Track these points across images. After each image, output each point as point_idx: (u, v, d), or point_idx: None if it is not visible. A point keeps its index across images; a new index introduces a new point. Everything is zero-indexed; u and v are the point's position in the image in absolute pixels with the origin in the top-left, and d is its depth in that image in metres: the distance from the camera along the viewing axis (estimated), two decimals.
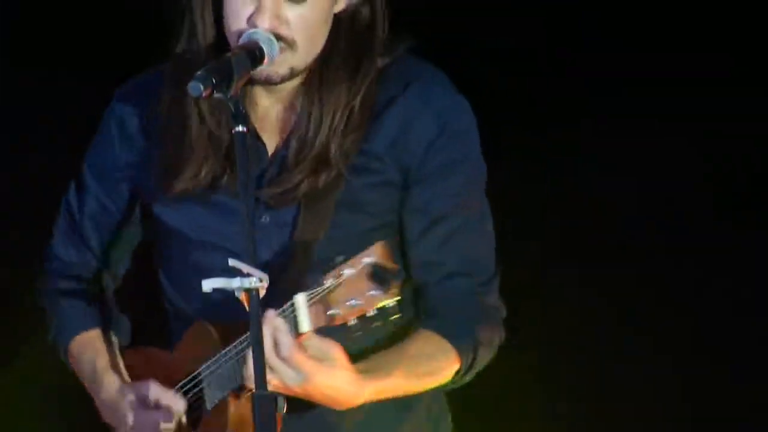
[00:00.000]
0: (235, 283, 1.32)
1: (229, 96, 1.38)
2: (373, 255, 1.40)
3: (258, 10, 1.50)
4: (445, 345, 1.60)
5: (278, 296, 1.49)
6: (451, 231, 1.63)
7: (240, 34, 1.51)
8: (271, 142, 1.66)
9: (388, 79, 1.63)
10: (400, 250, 1.65)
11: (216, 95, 1.37)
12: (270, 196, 1.61)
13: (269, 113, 1.66)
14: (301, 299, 1.43)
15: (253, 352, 1.33)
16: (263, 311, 1.40)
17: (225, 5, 1.56)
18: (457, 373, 1.62)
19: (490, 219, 1.70)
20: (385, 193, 1.63)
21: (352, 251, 1.46)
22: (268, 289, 1.46)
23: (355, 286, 1.39)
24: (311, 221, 1.60)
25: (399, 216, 1.65)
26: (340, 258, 1.42)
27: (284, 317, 1.45)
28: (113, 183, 1.76)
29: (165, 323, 1.80)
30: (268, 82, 1.57)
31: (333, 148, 1.58)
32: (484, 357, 1.65)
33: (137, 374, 1.72)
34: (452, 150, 1.63)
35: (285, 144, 1.64)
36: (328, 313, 1.41)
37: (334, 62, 1.60)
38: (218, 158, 1.61)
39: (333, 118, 1.58)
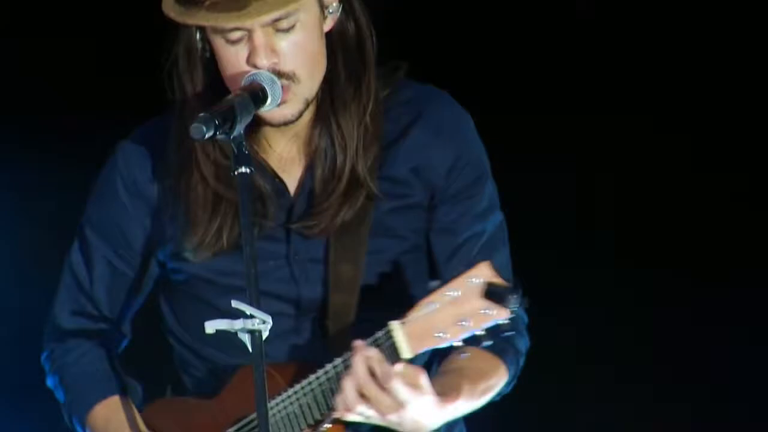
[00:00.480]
0: (237, 324, 1.31)
1: (232, 138, 1.38)
2: (479, 274, 1.42)
3: (253, 50, 1.51)
4: (495, 361, 1.65)
5: (329, 331, 1.57)
6: (477, 249, 1.66)
7: (241, 76, 1.51)
8: (291, 179, 1.67)
9: (399, 105, 1.67)
10: (428, 270, 1.69)
11: (219, 137, 1.37)
12: (305, 228, 1.62)
13: (285, 152, 1.67)
14: (397, 326, 1.45)
15: (255, 394, 1.32)
16: (321, 347, 1.49)
17: (220, 63, 1.57)
18: (506, 384, 1.68)
19: (506, 231, 1.74)
20: (413, 216, 1.67)
21: (387, 277, 1.53)
22: (316, 325, 1.58)
23: (465, 306, 1.42)
24: (345, 253, 1.61)
25: (426, 237, 1.68)
26: (435, 282, 1.45)
27: (377, 345, 1.47)
28: (124, 242, 1.72)
29: (176, 373, 1.77)
30: (287, 124, 1.59)
31: (360, 168, 1.60)
32: (522, 366, 1.71)
33: (166, 427, 1.68)
34: (472, 169, 1.68)
35: (308, 175, 1.65)
36: (435, 335, 1.44)
37: (338, 83, 1.61)
38: (236, 217, 1.58)
39: (353, 138, 1.60)
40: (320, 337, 1.55)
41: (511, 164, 2.25)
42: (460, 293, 1.40)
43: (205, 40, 1.59)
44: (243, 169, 1.38)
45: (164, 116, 1.68)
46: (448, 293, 1.41)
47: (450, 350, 1.55)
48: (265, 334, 1.33)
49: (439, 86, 1.75)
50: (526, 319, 1.69)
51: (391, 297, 1.60)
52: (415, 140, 1.65)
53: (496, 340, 1.56)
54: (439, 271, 1.64)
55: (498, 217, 1.71)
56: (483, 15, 3.15)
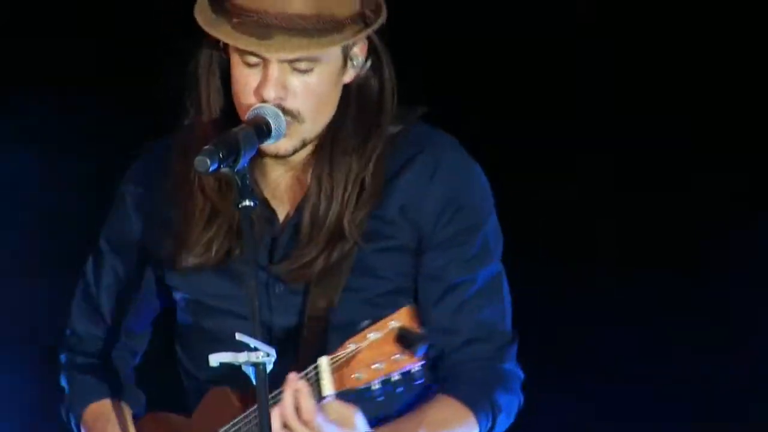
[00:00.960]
0: (241, 357, 1.32)
1: (236, 171, 1.38)
2: (399, 319, 1.40)
3: (264, 80, 1.50)
4: (464, 410, 1.59)
5: (298, 361, 1.52)
6: (466, 298, 1.62)
7: (248, 107, 1.51)
8: (281, 209, 1.65)
9: (401, 144, 1.63)
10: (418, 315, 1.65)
11: (223, 170, 1.37)
12: (285, 272, 1.60)
13: (280, 182, 1.65)
14: (324, 362, 1.43)
15: (260, 423, 1.34)
16: (285, 375, 1.43)
17: (232, 78, 1.56)
18: None
19: (505, 283, 1.69)
20: (397, 258, 1.63)
21: (366, 315, 1.47)
22: (287, 355, 1.51)
23: (381, 350, 1.40)
24: (325, 287, 1.59)
25: (414, 281, 1.65)
26: (366, 322, 1.43)
27: (307, 380, 1.45)
28: (129, 256, 1.75)
29: (181, 390, 1.79)
30: (279, 156, 1.57)
31: (346, 220, 1.57)
32: (503, 423, 1.65)
33: None
34: (466, 217, 1.63)
35: (296, 212, 1.63)
36: (352, 376, 1.42)
37: (343, 132, 1.59)
38: (229, 233, 1.60)
39: (344, 190, 1.57)
40: (289, 366, 1.52)
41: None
42: (380, 336, 1.39)
43: (226, 51, 1.58)
44: (247, 203, 1.38)
45: (175, 135, 1.69)
46: (369, 335, 1.40)
47: (425, 392, 1.59)
48: (269, 367, 1.34)
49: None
50: (521, 375, 1.67)
51: None
52: (409, 180, 1.61)
53: (467, 389, 1.58)
54: (426, 317, 1.59)
55: (494, 268, 1.66)
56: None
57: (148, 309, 1.80)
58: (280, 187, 1.66)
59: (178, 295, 1.73)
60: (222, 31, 1.50)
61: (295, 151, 1.57)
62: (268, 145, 1.51)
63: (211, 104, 1.60)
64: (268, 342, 1.46)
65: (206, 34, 1.57)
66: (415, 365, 1.40)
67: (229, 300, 1.64)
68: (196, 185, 1.60)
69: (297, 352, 1.59)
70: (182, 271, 1.66)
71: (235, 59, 1.54)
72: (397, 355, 1.38)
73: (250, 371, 1.34)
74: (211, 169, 1.35)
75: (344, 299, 1.59)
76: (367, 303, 1.60)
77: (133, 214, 1.74)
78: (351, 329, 1.54)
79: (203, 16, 1.53)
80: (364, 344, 1.41)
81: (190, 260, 1.62)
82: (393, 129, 1.63)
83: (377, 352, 1.40)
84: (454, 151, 1.66)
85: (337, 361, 1.43)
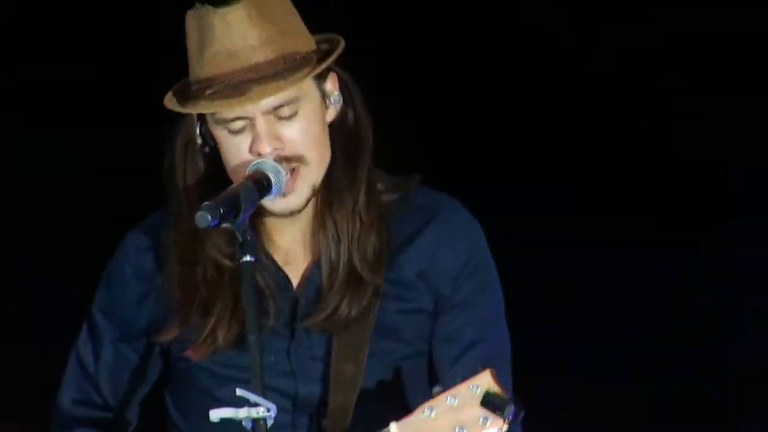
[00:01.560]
0: (242, 413, 1.31)
1: (236, 226, 1.38)
2: (480, 382, 1.39)
3: (256, 137, 1.51)
4: None
5: (326, 428, 1.55)
6: (482, 357, 1.62)
7: (245, 165, 1.51)
8: (295, 273, 1.65)
9: (412, 209, 1.66)
10: (428, 376, 1.67)
11: (223, 225, 1.37)
12: (313, 325, 1.60)
13: (290, 245, 1.66)
14: (395, 428, 1.41)
15: None
16: None
17: (222, 149, 1.57)
18: None
19: (509, 342, 1.71)
20: (418, 320, 1.64)
21: (390, 380, 1.52)
22: (313, 422, 1.56)
23: (463, 414, 1.38)
24: (347, 352, 1.59)
25: (429, 344, 1.66)
26: (438, 388, 1.42)
27: None
28: (130, 328, 1.70)
29: None
30: (292, 214, 1.58)
31: (357, 258, 1.58)
32: None
33: None
34: (479, 278, 1.66)
35: (314, 271, 1.63)
36: None
37: (335, 175, 1.61)
38: (233, 317, 1.58)
39: (347, 228, 1.59)
40: None
41: None
42: (458, 401, 1.39)
43: (206, 134, 1.60)
44: (247, 258, 1.39)
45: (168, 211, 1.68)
46: (447, 400, 1.39)
47: None
48: (269, 422, 1.33)
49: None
50: None
51: (390, 400, 1.59)
52: (424, 245, 1.64)
53: None
54: (441, 379, 1.60)
55: (504, 331, 1.69)
56: None
57: (147, 381, 1.76)
58: (291, 249, 1.66)
59: (182, 364, 1.68)
60: (200, 106, 1.52)
61: (306, 203, 1.58)
62: (279, 205, 1.53)
63: (191, 197, 1.59)
64: (294, 410, 1.51)
65: (172, 133, 1.60)
66: (499, 428, 1.38)
67: (239, 368, 1.59)
68: (198, 270, 1.60)
69: (324, 419, 1.59)
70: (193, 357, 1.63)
71: (221, 134, 1.56)
72: (482, 419, 1.37)
73: (249, 427, 1.33)
74: (211, 225, 1.34)
75: (368, 363, 1.59)
76: (389, 367, 1.62)
77: (136, 289, 1.70)
78: (377, 393, 1.58)
79: (172, 104, 1.56)
80: (442, 408, 1.39)
81: (201, 352, 1.61)
82: (392, 196, 1.66)
83: (458, 416, 1.39)
84: (462, 214, 1.70)
85: (407, 426, 1.41)
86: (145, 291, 1.69)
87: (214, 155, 1.60)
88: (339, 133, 1.63)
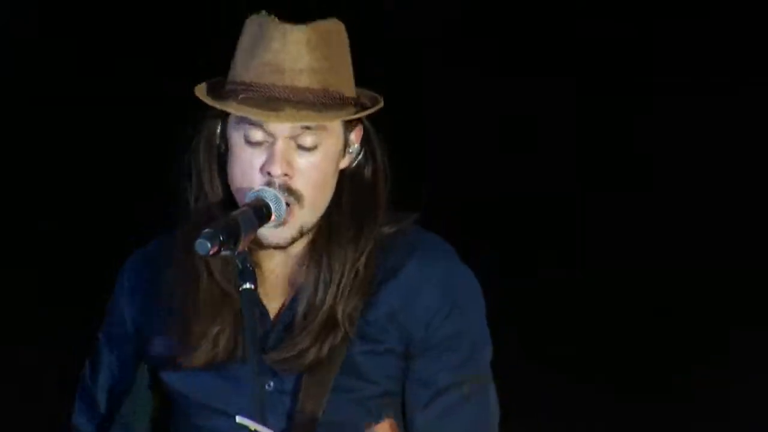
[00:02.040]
0: None
1: (236, 253, 1.38)
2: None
3: (271, 157, 1.50)
4: None
5: None
6: (454, 403, 1.58)
7: (249, 188, 1.50)
8: (273, 305, 1.62)
9: (392, 247, 1.62)
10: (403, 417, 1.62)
11: (223, 253, 1.36)
12: (276, 362, 1.56)
13: (270, 277, 1.63)
14: None
15: None
16: None
17: (233, 159, 1.55)
18: None
19: (493, 389, 1.66)
20: (386, 361, 1.59)
21: (356, 417, 1.47)
22: None
23: None
24: (314, 388, 1.55)
25: (402, 384, 1.61)
26: None
27: None
28: (125, 352, 1.70)
29: None
30: (278, 247, 1.56)
31: (340, 310, 1.55)
32: None
33: None
34: (456, 322, 1.60)
35: (289, 307, 1.61)
36: None
37: (339, 222, 1.58)
38: (236, 327, 1.56)
39: (340, 280, 1.55)
40: None
41: None
42: None
43: (222, 137, 1.58)
44: (247, 285, 1.39)
45: (172, 231, 1.66)
46: None
47: None
48: None
49: None
50: None
51: None
52: (398, 287, 1.59)
53: None
54: (412, 421, 1.59)
55: (482, 372, 1.64)
56: None
57: (144, 404, 1.73)
58: (271, 281, 1.63)
59: (167, 389, 1.68)
60: (229, 106, 1.51)
61: (292, 241, 1.55)
62: (268, 235, 1.51)
63: (213, 191, 1.59)
64: None
65: (198, 128, 1.59)
66: None
67: (221, 399, 1.59)
68: (203, 279, 1.58)
69: None
70: (180, 369, 1.62)
71: (238, 140, 1.54)
72: None
73: None
74: (211, 252, 1.34)
75: (333, 400, 1.56)
76: (356, 404, 1.57)
77: (128, 309, 1.70)
78: (340, 430, 1.55)
79: (203, 95, 1.55)
80: None
81: (198, 358, 1.58)
82: (388, 230, 1.62)
83: None
84: (446, 259, 1.65)
85: None
86: (140, 317, 1.69)
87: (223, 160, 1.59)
88: (352, 184, 1.61)
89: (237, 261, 1.39)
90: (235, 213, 1.42)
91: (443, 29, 3.30)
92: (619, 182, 3.34)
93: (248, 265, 1.40)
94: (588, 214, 3.30)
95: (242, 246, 1.39)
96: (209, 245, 1.33)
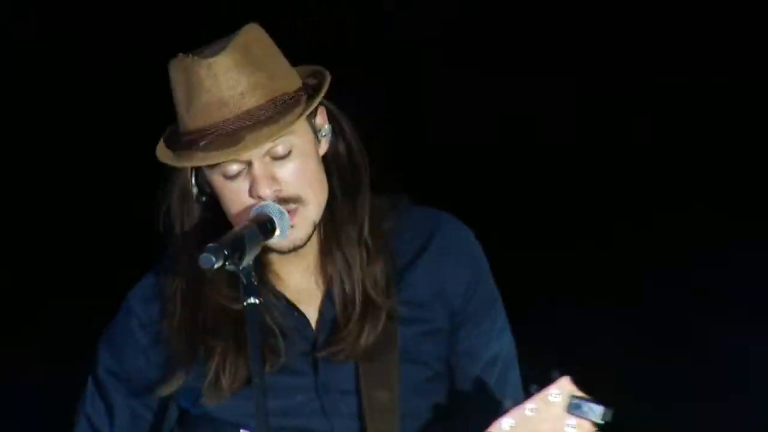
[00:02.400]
0: None
1: (241, 268, 1.37)
2: (561, 389, 1.34)
3: (254, 181, 1.50)
4: None
5: None
6: (504, 368, 1.65)
7: (246, 211, 1.50)
8: (311, 311, 1.64)
9: (408, 229, 1.66)
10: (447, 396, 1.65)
11: (228, 267, 1.36)
12: (331, 354, 1.58)
13: (299, 281, 1.65)
14: None
15: None
16: None
17: (221, 195, 1.56)
18: None
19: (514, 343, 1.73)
20: (436, 342, 1.64)
21: (416, 404, 1.54)
22: None
23: (546, 424, 1.34)
24: (376, 380, 1.58)
25: (447, 365, 1.65)
26: (510, 401, 1.39)
27: None
28: (140, 382, 1.67)
29: None
30: (296, 249, 1.57)
31: (369, 285, 1.58)
32: None
33: None
34: (485, 288, 1.68)
35: (327, 305, 1.63)
36: None
37: (335, 205, 1.61)
38: (241, 355, 1.56)
39: (354, 258, 1.58)
40: None
41: None
42: (537, 411, 1.34)
43: (202, 182, 1.59)
44: (252, 300, 1.39)
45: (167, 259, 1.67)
46: (526, 411, 1.34)
47: None
48: None
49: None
50: None
51: (427, 425, 1.60)
52: (430, 263, 1.64)
53: None
54: (467, 393, 1.62)
55: (510, 337, 1.71)
56: None
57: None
58: (303, 290, 1.65)
59: (191, 413, 1.68)
60: (196, 159, 1.51)
61: (308, 238, 1.57)
62: (281, 242, 1.51)
63: (194, 233, 1.59)
64: None
65: (170, 182, 1.59)
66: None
67: (248, 415, 1.55)
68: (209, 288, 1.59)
69: None
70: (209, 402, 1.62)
71: (218, 180, 1.54)
72: (569, 426, 1.33)
73: None
74: (215, 267, 1.34)
75: (399, 390, 1.58)
76: (414, 391, 1.60)
77: (147, 345, 1.68)
78: (411, 420, 1.58)
79: (168, 157, 1.55)
80: (521, 419, 1.35)
81: (228, 390, 1.58)
82: (392, 216, 1.66)
83: (541, 426, 1.34)
84: (459, 228, 1.71)
85: None
86: (152, 341, 1.67)
87: (211, 201, 1.60)
88: (333, 164, 1.63)
89: (241, 276, 1.39)
90: (238, 228, 1.43)
91: (443, 29, 3.29)
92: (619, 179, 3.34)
93: (252, 280, 1.40)
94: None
95: (247, 261, 1.39)
96: (213, 259, 1.34)
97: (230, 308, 1.57)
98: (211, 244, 1.36)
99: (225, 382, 1.57)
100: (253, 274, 1.41)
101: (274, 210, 1.48)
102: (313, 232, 1.57)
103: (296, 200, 1.53)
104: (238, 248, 1.37)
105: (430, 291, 1.63)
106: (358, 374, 1.58)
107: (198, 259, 1.34)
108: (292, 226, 1.52)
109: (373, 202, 1.64)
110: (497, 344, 1.66)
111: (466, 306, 1.64)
